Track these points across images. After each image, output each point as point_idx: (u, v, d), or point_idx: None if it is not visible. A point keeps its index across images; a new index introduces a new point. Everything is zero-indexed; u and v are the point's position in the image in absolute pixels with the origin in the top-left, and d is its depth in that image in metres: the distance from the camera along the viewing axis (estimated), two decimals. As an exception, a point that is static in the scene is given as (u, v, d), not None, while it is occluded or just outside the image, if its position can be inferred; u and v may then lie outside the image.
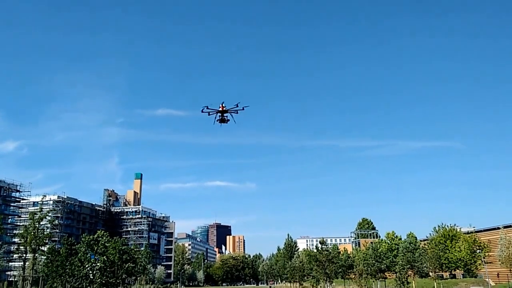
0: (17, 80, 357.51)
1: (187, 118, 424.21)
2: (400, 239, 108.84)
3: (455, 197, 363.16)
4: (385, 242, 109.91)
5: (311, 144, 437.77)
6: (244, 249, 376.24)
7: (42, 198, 68.12)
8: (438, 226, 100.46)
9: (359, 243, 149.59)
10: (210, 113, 29.50)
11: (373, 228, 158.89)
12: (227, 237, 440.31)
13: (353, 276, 66.91)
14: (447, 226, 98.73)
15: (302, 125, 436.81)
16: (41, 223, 60.41)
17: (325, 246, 55.88)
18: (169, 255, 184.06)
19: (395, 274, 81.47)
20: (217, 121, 29.74)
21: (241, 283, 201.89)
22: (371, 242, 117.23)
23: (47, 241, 58.75)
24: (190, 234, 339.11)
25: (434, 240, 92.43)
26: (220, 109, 29.45)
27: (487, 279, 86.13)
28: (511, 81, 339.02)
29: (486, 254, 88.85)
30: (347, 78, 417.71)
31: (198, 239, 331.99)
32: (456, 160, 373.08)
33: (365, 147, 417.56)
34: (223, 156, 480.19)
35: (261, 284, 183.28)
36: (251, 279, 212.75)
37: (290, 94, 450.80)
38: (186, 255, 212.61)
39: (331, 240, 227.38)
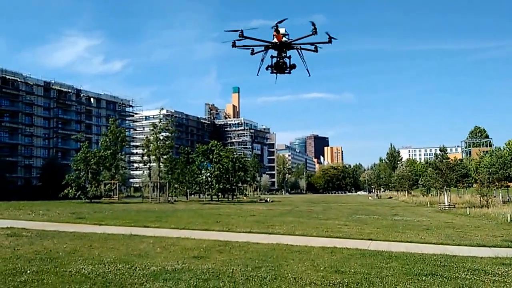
0: None
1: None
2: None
3: None
4: (505, 150, 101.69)
5: (417, 49, 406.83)
6: (342, 159, 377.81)
7: (160, 111, 72.62)
8: None
9: (470, 152, 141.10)
10: (255, 51, 12.26)
11: (487, 137, 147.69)
12: (325, 148, 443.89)
13: (475, 185, 63.28)
14: None
15: (407, 28, 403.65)
16: (158, 135, 65.15)
17: (445, 154, 52.91)
18: (272, 165, 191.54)
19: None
20: (267, 68, 12.30)
21: (342, 191, 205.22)
22: (486, 151, 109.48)
23: (169, 150, 63.41)
24: (289, 145, 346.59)
25: None
26: (275, 40, 12.00)
27: None
28: None
29: None
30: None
31: (296, 150, 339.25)
32: None
33: (482, 49, 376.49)
34: (319, 66, 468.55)
35: (363, 192, 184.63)
36: (352, 188, 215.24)
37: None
38: (287, 165, 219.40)
39: (435, 150, 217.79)
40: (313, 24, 11.13)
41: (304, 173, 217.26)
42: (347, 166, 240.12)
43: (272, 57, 12.25)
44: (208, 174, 62.79)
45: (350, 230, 20.88)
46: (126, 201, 62.51)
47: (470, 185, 73.09)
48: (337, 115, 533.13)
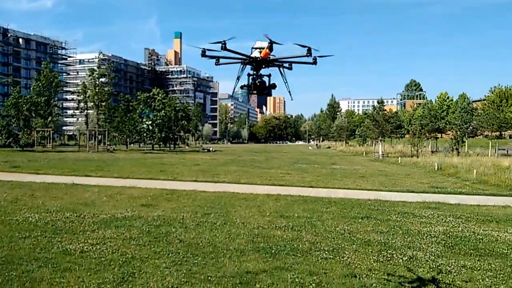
0: None
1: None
2: (452, 100, 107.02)
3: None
4: (436, 103, 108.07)
5: (360, 1, 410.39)
6: (284, 110, 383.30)
7: (98, 55, 68.94)
8: (494, 87, 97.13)
9: (405, 104, 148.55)
10: (220, 61, 6.79)
11: (421, 90, 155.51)
12: (268, 98, 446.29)
13: (407, 135, 67.20)
14: (504, 87, 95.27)
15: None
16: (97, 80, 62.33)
17: (382, 106, 55.49)
18: (214, 114, 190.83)
19: (441, 134, 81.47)
20: (243, 87, 6.83)
21: (283, 141, 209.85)
22: (419, 104, 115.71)
23: (107, 97, 61.22)
24: (232, 95, 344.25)
25: (491, 101, 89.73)
26: (256, 54, 6.41)
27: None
28: None
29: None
30: None
31: (239, 99, 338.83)
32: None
33: (421, 4, 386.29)
34: (266, 14, 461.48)
35: (304, 142, 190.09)
36: (293, 138, 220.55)
37: None
38: (229, 114, 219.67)
39: (372, 101, 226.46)
40: (309, 49, 8.40)
41: (247, 122, 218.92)
42: (289, 116, 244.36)
43: (249, 75, 8.52)
44: (150, 122, 61.55)
45: (292, 178, 21.85)
46: (61, 150, 60.32)
47: (402, 135, 77.44)
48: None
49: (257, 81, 6.23)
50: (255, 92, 6.55)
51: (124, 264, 6.80)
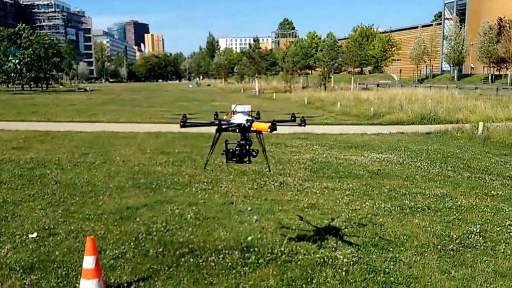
0: None
1: None
2: (320, 38, 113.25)
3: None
4: (306, 41, 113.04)
5: None
6: (163, 48, 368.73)
7: None
8: (357, 26, 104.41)
9: (279, 42, 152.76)
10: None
11: (293, 29, 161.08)
12: (146, 35, 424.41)
13: (281, 72, 69.98)
14: (365, 26, 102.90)
15: None
16: None
17: (258, 44, 56.74)
18: (89, 52, 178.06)
19: (311, 71, 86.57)
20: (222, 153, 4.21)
21: (163, 80, 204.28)
22: (291, 42, 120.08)
23: None
24: (107, 31, 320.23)
25: (354, 39, 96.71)
26: (250, 122, 3.81)
27: (393, 75, 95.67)
28: None
29: (396, 52, 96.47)
30: None
31: (115, 36, 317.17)
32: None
33: None
34: None
35: (184, 80, 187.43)
36: (173, 77, 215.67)
37: None
38: (106, 52, 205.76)
39: (249, 40, 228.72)
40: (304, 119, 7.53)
41: (125, 61, 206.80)
42: (168, 54, 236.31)
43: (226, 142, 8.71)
44: (17, 61, 56.10)
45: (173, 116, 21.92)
46: None
47: (277, 72, 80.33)
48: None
49: (236, 148, 5.16)
50: (234, 159, 5.72)
51: (-5, 209, 6.53)
